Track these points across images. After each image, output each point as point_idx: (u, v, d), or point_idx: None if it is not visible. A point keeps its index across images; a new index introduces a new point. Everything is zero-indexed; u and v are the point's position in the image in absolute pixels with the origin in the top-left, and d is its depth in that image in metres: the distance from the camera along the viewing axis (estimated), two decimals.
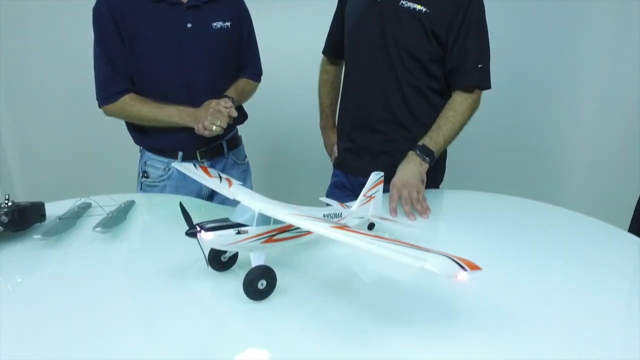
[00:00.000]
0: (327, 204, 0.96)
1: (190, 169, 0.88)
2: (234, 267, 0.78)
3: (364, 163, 1.29)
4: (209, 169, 0.89)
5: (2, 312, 0.66)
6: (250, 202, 0.70)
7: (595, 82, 2.17)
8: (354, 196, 0.96)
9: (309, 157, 2.20)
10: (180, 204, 0.70)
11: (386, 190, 1.00)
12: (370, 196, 0.92)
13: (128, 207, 1.06)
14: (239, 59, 1.39)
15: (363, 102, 1.30)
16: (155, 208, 1.19)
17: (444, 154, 1.39)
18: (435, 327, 0.66)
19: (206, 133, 1.19)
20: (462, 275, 0.50)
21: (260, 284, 0.67)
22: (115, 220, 0.96)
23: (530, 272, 0.83)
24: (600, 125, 2.23)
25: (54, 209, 0.98)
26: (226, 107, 1.20)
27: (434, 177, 1.37)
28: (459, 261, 0.51)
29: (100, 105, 1.29)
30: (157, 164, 1.36)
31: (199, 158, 1.35)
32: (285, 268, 0.77)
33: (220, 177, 0.84)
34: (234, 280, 0.74)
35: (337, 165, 1.45)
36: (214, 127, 1.17)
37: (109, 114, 1.30)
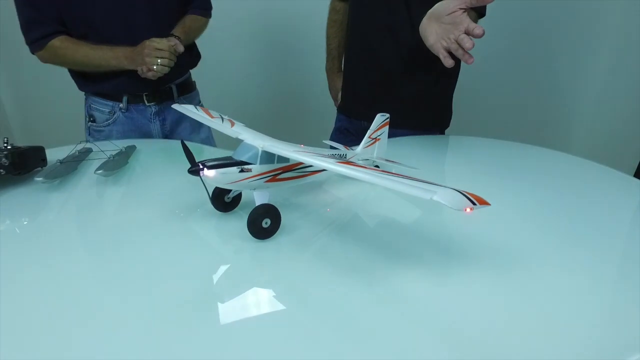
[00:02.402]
0: (331, 147, 0.94)
1: (191, 110, 0.86)
2: (237, 209, 0.77)
3: (368, 106, 1.27)
4: (210, 111, 0.86)
5: (10, 253, 0.67)
6: (254, 140, 0.68)
7: (610, 33, 2.10)
8: (358, 141, 0.94)
9: (312, 102, 2.16)
10: (182, 142, 0.68)
11: (392, 135, 0.97)
12: (376, 138, 0.90)
13: (129, 151, 1.05)
14: None
15: (370, 40, 1.25)
16: (157, 153, 1.17)
17: (450, 97, 1.36)
18: (440, 265, 0.66)
19: (150, 75, 1.11)
20: (471, 210, 0.49)
21: (264, 223, 0.66)
22: (117, 163, 0.95)
23: (536, 215, 0.83)
24: (610, 74, 2.18)
25: (54, 154, 0.96)
26: (170, 44, 1.12)
27: (440, 122, 1.35)
28: (468, 195, 0.50)
29: (31, 52, 1.18)
30: (102, 107, 1.29)
31: (146, 102, 1.28)
32: (289, 209, 0.77)
33: (222, 118, 0.81)
34: (237, 221, 0.74)
35: (341, 109, 1.42)
36: (156, 67, 1.10)
37: (44, 60, 1.20)
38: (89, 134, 1.34)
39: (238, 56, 2.08)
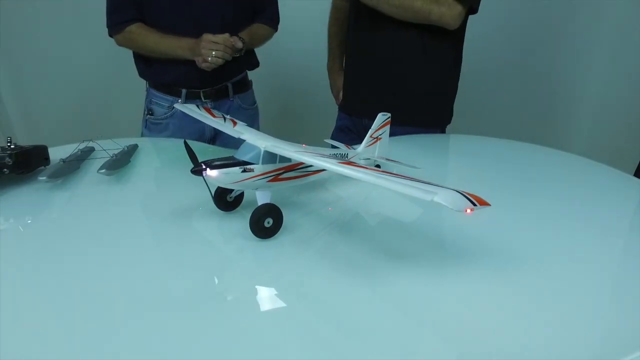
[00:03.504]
0: (333, 146, 0.95)
1: (193, 110, 0.86)
2: (240, 208, 0.78)
3: (370, 105, 1.27)
4: (213, 110, 0.87)
5: (13, 252, 0.67)
6: (256, 140, 0.69)
7: (610, 31, 2.10)
8: (359, 139, 0.95)
9: (314, 100, 2.16)
10: (185, 142, 0.69)
11: (393, 133, 0.98)
12: (377, 137, 0.90)
13: (132, 150, 1.06)
14: (254, 3, 1.35)
15: (371, 38, 1.25)
16: (159, 152, 1.18)
17: (451, 95, 1.36)
18: (441, 264, 0.66)
19: (204, 65, 1.19)
20: (471, 211, 0.49)
21: (266, 222, 0.67)
22: (120, 163, 0.96)
23: (536, 214, 0.83)
24: (610, 74, 2.18)
25: (57, 153, 0.97)
26: (228, 39, 1.18)
27: (441, 120, 1.36)
28: (469, 196, 0.51)
29: (109, 34, 1.29)
30: (161, 101, 1.36)
31: (202, 98, 1.34)
32: (291, 208, 0.77)
33: (224, 118, 0.82)
34: (240, 220, 0.74)
35: (342, 107, 1.43)
36: (210, 58, 1.16)
37: (119, 44, 1.30)
38: (146, 127, 1.41)
39: None
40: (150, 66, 1.34)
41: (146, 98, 1.41)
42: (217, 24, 1.25)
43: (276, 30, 1.44)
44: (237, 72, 1.40)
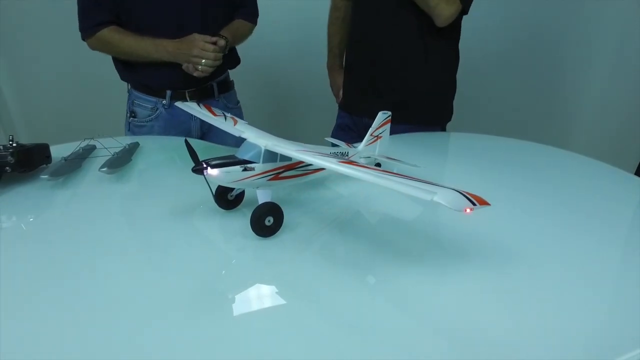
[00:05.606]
0: (333, 144, 0.95)
1: (194, 108, 0.87)
2: (241, 206, 0.78)
3: (370, 103, 1.27)
4: (213, 108, 0.87)
5: (15, 250, 0.68)
6: (257, 139, 0.69)
7: (611, 31, 2.10)
8: (360, 138, 0.95)
9: (314, 99, 2.16)
10: (186, 141, 0.69)
11: (394, 132, 0.98)
12: (377, 136, 0.90)
13: (133, 148, 1.06)
14: None
15: (371, 37, 1.25)
16: (160, 150, 1.18)
17: (451, 93, 1.36)
18: (441, 262, 0.67)
19: (195, 73, 1.18)
20: (471, 210, 0.50)
21: (267, 221, 0.67)
22: (121, 161, 0.96)
23: (536, 213, 0.84)
24: (611, 72, 2.17)
25: (58, 151, 0.97)
26: (211, 42, 1.16)
27: (441, 118, 1.36)
28: (468, 196, 0.51)
29: (82, 38, 1.25)
30: (145, 103, 1.33)
31: (188, 99, 1.31)
32: (291, 207, 0.77)
33: (225, 116, 0.82)
34: (240, 218, 0.75)
35: (343, 106, 1.43)
36: (200, 67, 1.15)
37: (92, 47, 1.26)
38: (129, 130, 1.37)
39: (239, 54, 2.08)
40: (131, 69, 1.30)
41: (128, 100, 1.37)
42: (198, 21, 1.23)
43: (255, 24, 1.40)
44: (221, 71, 1.38)
